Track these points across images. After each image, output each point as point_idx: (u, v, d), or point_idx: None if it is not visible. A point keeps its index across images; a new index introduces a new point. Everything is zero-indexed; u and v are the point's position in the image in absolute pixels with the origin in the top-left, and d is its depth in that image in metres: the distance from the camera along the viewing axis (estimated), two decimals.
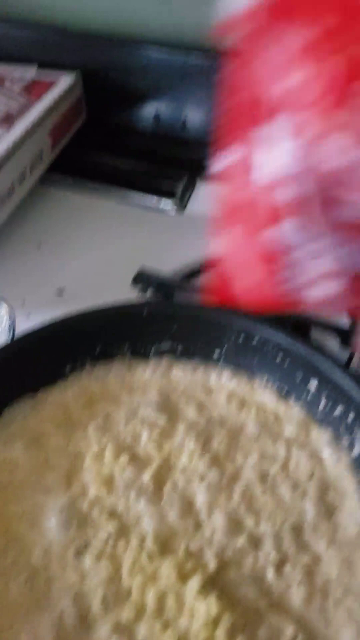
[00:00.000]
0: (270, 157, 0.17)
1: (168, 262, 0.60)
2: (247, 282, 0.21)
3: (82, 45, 0.73)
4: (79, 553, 0.37)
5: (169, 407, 0.45)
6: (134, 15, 0.71)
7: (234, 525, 0.38)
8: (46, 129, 0.65)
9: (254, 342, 0.45)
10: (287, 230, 0.18)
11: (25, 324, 0.51)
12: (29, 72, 0.71)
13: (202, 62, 0.68)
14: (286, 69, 0.16)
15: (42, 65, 0.72)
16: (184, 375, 0.47)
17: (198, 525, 0.38)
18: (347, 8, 0.16)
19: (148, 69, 0.71)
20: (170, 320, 0.47)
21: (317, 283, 0.19)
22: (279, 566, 0.37)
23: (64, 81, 0.69)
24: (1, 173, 0.58)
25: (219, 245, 0.20)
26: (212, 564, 0.36)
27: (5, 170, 0.58)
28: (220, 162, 0.17)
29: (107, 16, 0.72)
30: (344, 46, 0.15)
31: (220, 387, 0.46)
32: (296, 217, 0.17)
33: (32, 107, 0.65)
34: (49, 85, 0.69)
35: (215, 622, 0.33)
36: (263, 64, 0.16)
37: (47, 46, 0.74)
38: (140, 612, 0.35)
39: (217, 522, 0.38)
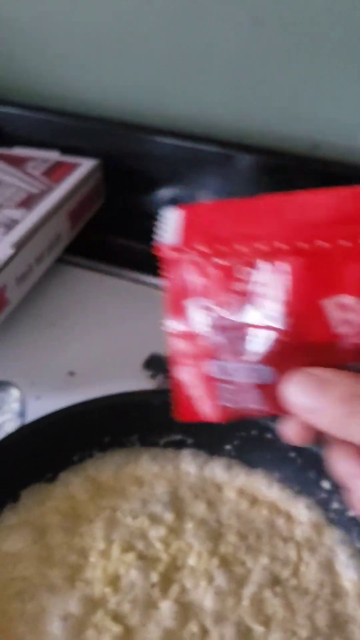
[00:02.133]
0: (195, 318, 0.27)
1: None
2: (200, 402, 0.29)
3: (102, 132, 0.76)
4: None
5: (177, 503, 0.44)
6: (152, 105, 0.74)
7: (243, 634, 0.37)
8: (66, 211, 0.67)
9: (267, 438, 0.44)
10: (211, 365, 0.27)
11: (35, 406, 0.51)
12: (51, 156, 0.74)
13: (217, 152, 0.71)
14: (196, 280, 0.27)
15: (64, 150, 0.75)
16: (193, 470, 0.46)
17: (205, 632, 0.37)
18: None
19: (165, 157, 0.74)
20: None
21: (245, 396, 0.27)
22: None
23: (85, 166, 0.72)
24: (21, 254, 0.59)
25: (176, 373, 0.29)
26: None
27: (25, 251, 0.59)
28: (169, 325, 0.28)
29: (126, 105, 0.75)
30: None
31: (230, 483, 0.45)
32: (214, 358, 0.27)
33: (52, 190, 0.67)
34: (69, 169, 0.71)
35: None
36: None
37: (68, 132, 0.77)
38: None
39: (225, 630, 0.37)
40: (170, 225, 0.28)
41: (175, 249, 0.27)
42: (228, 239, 0.26)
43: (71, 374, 0.59)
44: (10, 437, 0.43)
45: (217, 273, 0.26)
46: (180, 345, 0.28)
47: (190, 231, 0.27)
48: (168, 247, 0.27)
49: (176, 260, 0.27)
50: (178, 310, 0.28)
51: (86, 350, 0.61)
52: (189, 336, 0.27)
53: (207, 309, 0.26)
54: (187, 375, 0.28)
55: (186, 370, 0.28)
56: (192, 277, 0.27)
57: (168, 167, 0.74)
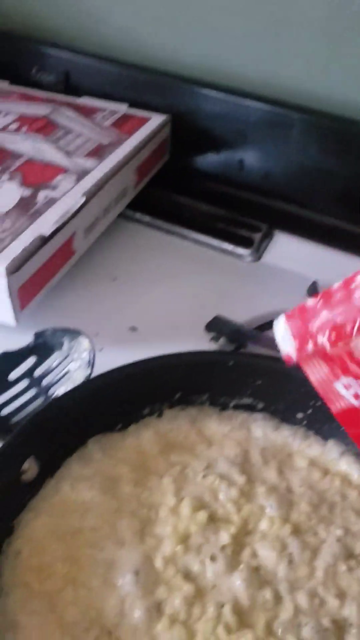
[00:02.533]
0: (348, 394, 0.32)
1: (240, 309, 0.59)
2: None
3: (170, 87, 0.73)
4: (151, 615, 0.34)
5: (247, 466, 0.42)
6: (225, 64, 0.71)
7: (317, 605, 0.35)
8: (134, 165, 0.65)
9: None
10: None
11: (99, 358, 0.50)
12: (119, 108, 0.72)
13: (291, 117, 0.68)
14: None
15: (133, 104, 0.73)
16: (263, 435, 0.45)
17: (278, 599, 0.36)
18: None
19: (235, 118, 0.71)
20: (256, 374, 0.45)
21: None
22: None
23: (155, 120, 0.70)
24: (90, 204, 0.57)
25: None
26: None
27: (94, 201, 0.58)
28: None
29: (198, 62, 0.72)
30: None
31: (301, 451, 0.44)
32: None
33: (123, 142, 0.65)
34: (140, 123, 0.69)
35: None
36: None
37: (136, 85, 0.75)
38: None
39: (298, 599, 0.36)
40: (283, 334, 0.32)
41: (298, 349, 0.31)
42: (334, 324, 0.30)
43: (133, 329, 0.57)
44: (84, 386, 0.42)
45: (342, 353, 0.30)
46: (351, 419, 0.32)
47: (303, 331, 0.31)
48: (291, 353, 0.31)
49: (304, 359, 0.31)
50: (333, 394, 0.32)
51: (148, 308, 0.60)
52: (353, 410, 0.32)
53: (351, 384, 0.31)
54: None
55: None
56: (326, 365, 0.31)
57: (239, 129, 0.72)
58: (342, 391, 0.32)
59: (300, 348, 0.31)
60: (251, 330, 0.57)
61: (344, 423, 0.33)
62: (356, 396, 0.31)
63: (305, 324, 0.31)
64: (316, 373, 0.32)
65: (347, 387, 0.31)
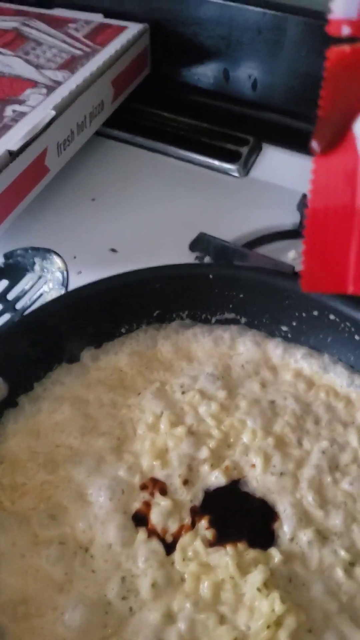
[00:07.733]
0: None
1: (227, 227, 0.56)
2: (342, 269, 0.25)
3: None
4: (127, 530, 0.33)
5: (229, 382, 0.41)
6: None
7: (301, 516, 0.34)
8: (110, 77, 0.61)
9: (330, 319, 0.41)
10: None
11: (76, 280, 0.48)
12: (94, 18, 0.67)
13: (279, 20, 0.63)
14: None
15: (108, 14, 0.68)
16: (246, 350, 0.43)
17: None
18: None
19: (220, 23, 0.66)
20: (237, 286, 0.43)
21: None
22: (350, 567, 0.33)
23: (132, 29, 0.65)
24: (62, 117, 0.54)
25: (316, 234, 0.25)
26: (276, 557, 0.32)
27: (67, 115, 0.54)
28: None
29: None
30: None
31: (286, 364, 0.42)
32: None
33: (97, 53, 0.61)
34: (115, 33, 0.64)
35: (277, 624, 0.30)
36: None
37: None
38: (193, 602, 0.31)
39: (282, 511, 0.35)
40: None
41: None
42: None
43: (113, 251, 0.55)
44: (52, 304, 0.40)
45: None
46: (332, 201, 0.23)
47: None
48: (345, 24, 0.18)
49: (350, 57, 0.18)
50: (336, 137, 0.21)
51: (128, 228, 0.57)
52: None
53: None
54: (332, 237, 0.23)
55: (334, 231, 0.23)
56: None
57: (223, 35, 0.67)
58: None
59: None
60: (239, 248, 0.55)
61: (316, 200, 0.24)
62: None
63: None
64: (345, 89, 0.21)
65: None
